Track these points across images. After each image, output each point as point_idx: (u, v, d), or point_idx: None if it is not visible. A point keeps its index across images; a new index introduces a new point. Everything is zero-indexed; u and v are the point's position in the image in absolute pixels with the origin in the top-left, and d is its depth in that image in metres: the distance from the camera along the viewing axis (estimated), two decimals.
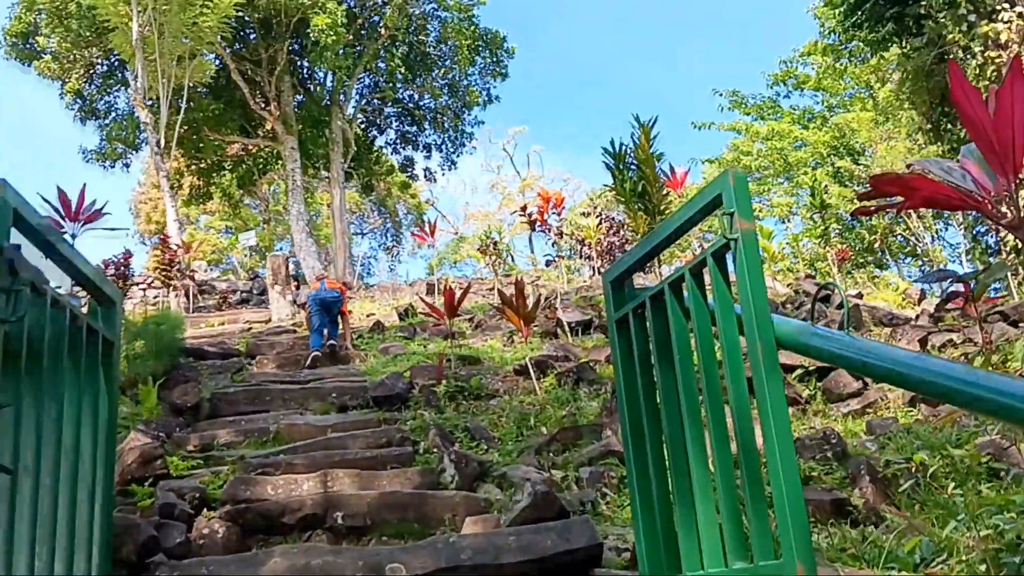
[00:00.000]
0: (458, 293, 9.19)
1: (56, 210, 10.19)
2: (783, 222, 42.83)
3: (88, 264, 2.95)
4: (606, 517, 5.23)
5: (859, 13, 15.17)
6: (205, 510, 5.47)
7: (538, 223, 17.12)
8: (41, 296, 2.50)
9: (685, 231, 2.79)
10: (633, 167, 11.51)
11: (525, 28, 76.80)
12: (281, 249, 40.17)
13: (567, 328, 11.37)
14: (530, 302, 9.28)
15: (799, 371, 8.26)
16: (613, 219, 22.54)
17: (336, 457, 6.49)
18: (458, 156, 33.27)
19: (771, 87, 35.00)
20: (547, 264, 18.01)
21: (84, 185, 10.59)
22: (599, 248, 20.10)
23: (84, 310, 3.03)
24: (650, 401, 2.92)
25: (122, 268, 14.49)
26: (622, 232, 23.44)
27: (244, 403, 8.56)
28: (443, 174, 46.23)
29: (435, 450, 7.01)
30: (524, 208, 16.68)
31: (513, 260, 26.81)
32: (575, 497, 5.68)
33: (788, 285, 15.49)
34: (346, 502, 5.24)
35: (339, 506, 5.21)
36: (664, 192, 11.50)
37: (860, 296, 14.67)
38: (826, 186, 36.08)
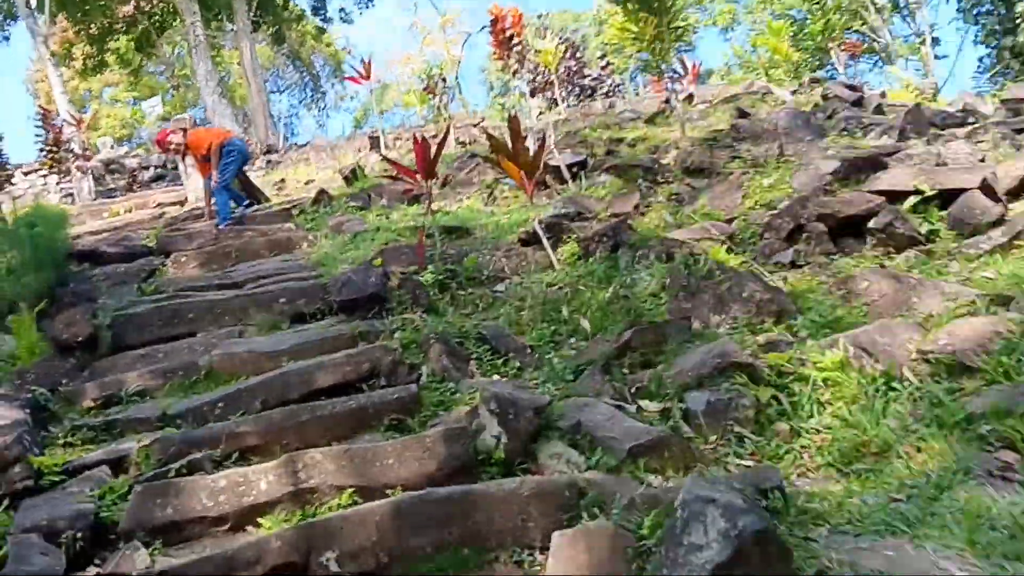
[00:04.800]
0: (432, 146, 6.71)
1: None
2: (723, 32, 40.24)
3: None
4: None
5: None
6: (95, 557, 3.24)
7: (494, 48, 14.34)
8: None
9: None
10: None
11: None
12: (193, 116, 36.36)
13: (566, 174, 9.01)
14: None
15: (912, 199, 6.08)
16: (569, 40, 19.80)
17: (305, 415, 4.24)
18: None
19: None
20: (532, 95, 15.28)
21: None
22: (560, 75, 17.48)
23: None
24: None
25: None
26: (579, 55, 20.69)
27: (160, 325, 6.16)
28: (360, 13, 42.39)
29: (445, 377, 4.78)
30: (500, 34, 13.74)
31: (460, 94, 23.84)
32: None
33: (796, 91, 13.18)
34: (338, 530, 3.00)
35: (328, 538, 2.98)
36: None
37: (884, 95, 12.49)
38: None
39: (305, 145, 23.60)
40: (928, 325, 3.96)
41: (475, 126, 23.98)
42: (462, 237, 7.35)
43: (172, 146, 10.05)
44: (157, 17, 28.57)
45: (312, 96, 48.02)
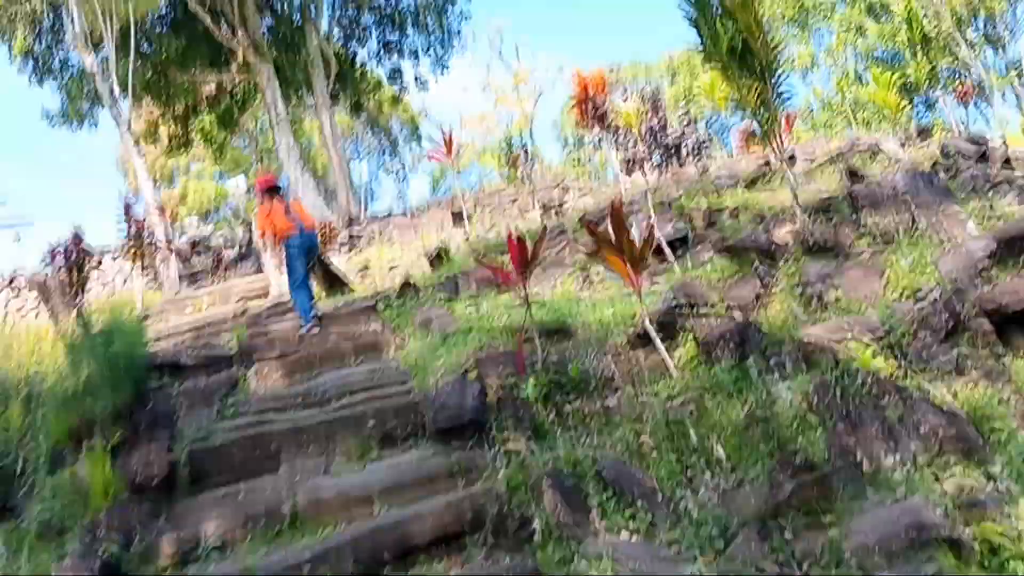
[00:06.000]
0: (528, 243, 6.09)
1: None
2: (803, 75, 39.08)
3: None
4: None
5: None
6: None
7: (581, 116, 13.80)
8: None
9: None
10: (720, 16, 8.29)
11: None
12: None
13: (667, 251, 8.30)
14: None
15: None
16: (651, 97, 19.19)
17: None
18: (448, 57, 29.68)
19: None
20: (628, 171, 14.67)
21: None
22: (643, 135, 16.84)
23: None
24: None
25: (72, 256, 11.33)
26: (660, 112, 20.07)
27: (240, 458, 5.63)
28: (435, 80, 42.81)
29: (562, 534, 4.09)
30: (584, 100, 13.21)
31: (535, 164, 23.40)
32: None
33: (905, 143, 12.24)
34: None
35: None
36: (773, 45, 8.22)
37: (1005, 145, 11.46)
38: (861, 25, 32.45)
39: (387, 217, 23.48)
40: None
41: (556, 187, 23.58)
42: (562, 335, 6.67)
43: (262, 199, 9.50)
44: (239, 94, 29.11)
45: (390, 158, 48.43)
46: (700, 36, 8.27)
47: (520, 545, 4.23)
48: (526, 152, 15.85)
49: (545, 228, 9.00)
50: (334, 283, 10.51)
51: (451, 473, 4.89)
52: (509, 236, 6.26)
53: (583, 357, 6.15)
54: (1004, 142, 11.42)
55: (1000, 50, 31.18)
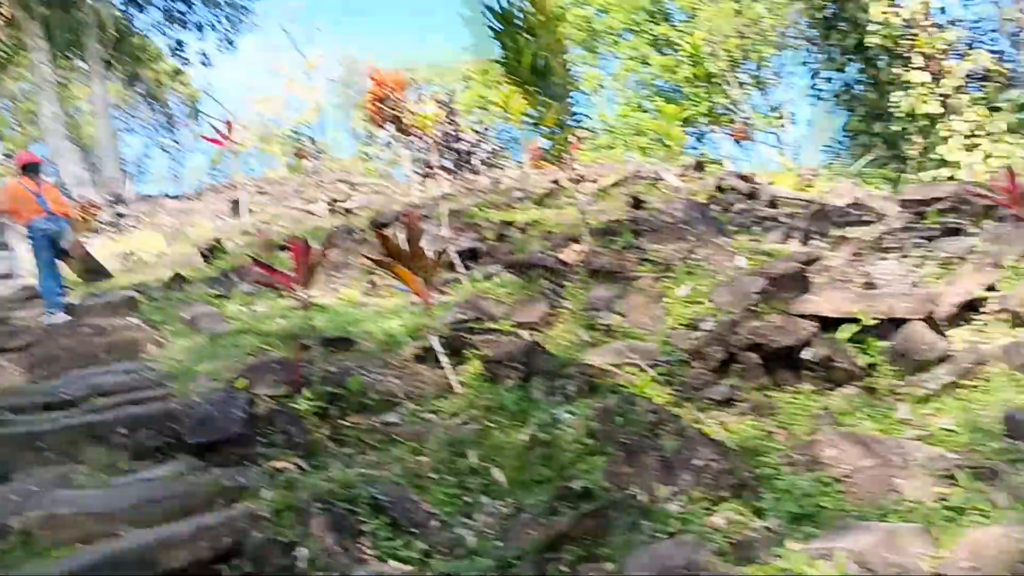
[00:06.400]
0: (314, 246, 5.73)
1: None
2: (588, 97, 40.60)
3: None
4: None
5: None
6: None
7: (375, 115, 13.46)
8: None
9: None
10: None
11: None
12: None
13: (457, 263, 8.18)
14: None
15: (848, 327, 5.56)
16: (447, 103, 19.17)
17: None
18: (236, 34, 28.31)
19: None
20: (424, 176, 14.34)
21: None
22: (437, 140, 16.78)
23: None
24: None
25: None
26: (456, 118, 20.07)
27: None
28: (221, 57, 40.89)
29: (329, 565, 3.80)
30: (379, 99, 12.80)
31: (322, 156, 22.68)
32: None
33: (683, 175, 12.88)
34: None
35: None
36: (567, 67, 8.33)
37: (771, 184, 12.34)
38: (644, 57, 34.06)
39: (158, 197, 21.94)
40: (934, 531, 3.30)
41: (344, 182, 22.94)
42: (344, 347, 6.35)
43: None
44: (3, 52, 26.24)
45: (166, 134, 45.47)
46: (504, 49, 8.22)
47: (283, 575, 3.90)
48: (313, 143, 15.24)
49: (333, 231, 8.61)
50: (92, 270, 9.56)
51: (210, 493, 4.45)
52: (293, 239, 5.87)
53: (365, 370, 5.87)
54: (771, 182, 12.27)
55: (764, 93, 33.84)
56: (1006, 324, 5.66)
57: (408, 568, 3.80)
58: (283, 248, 9.94)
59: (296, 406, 5.31)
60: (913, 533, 3.26)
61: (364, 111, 19.80)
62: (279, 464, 4.72)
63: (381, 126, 13.81)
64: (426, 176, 14.84)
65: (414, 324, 6.61)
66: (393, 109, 13.40)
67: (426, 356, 5.95)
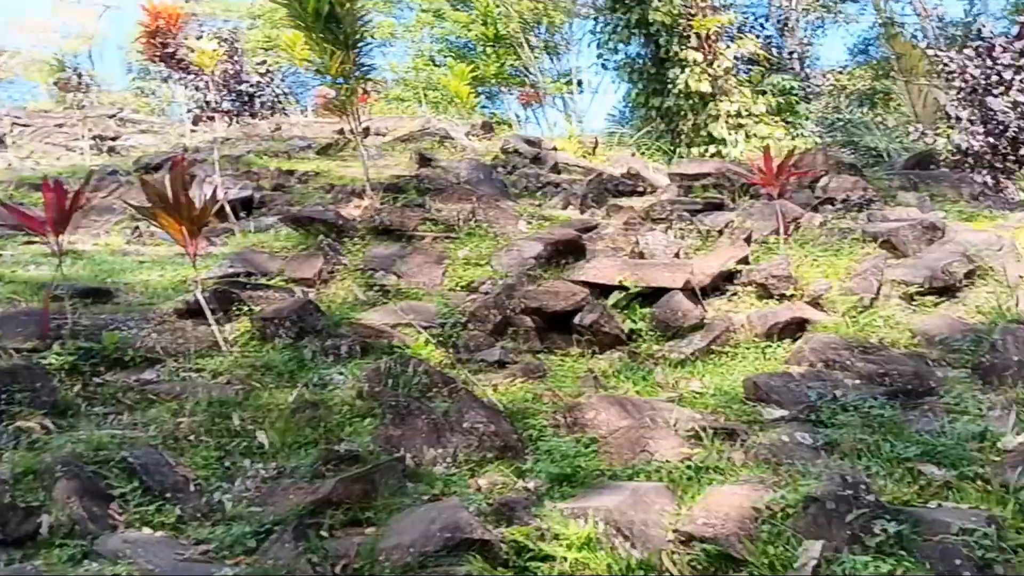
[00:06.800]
0: (70, 188, 5.24)
1: None
2: (381, 46, 39.85)
3: None
4: None
5: None
6: None
7: (149, 50, 12.51)
8: None
9: None
10: None
11: None
12: None
13: (229, 212, 7.81)
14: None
15: (616, 294, 5.84)
16: (229, 40, 18.14)
17: None
18: None
19: None
20: (195, 121, 13.37)
21: None
22: (217, 79, 15.92)
23: None
24: None
25: None
26: (238, 58, 19.07)
27: None
28: None
29: (75, 530, 3.56)
30: (154, 33, 11.81)
31: (92, 89, 20.85)
32: None
33: (470, 133, 12.96)
34: None
35: None
36: (360, 15, 8.09)
37: (556, 149, 12.62)
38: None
39: None
40: (678, 489, 3.54)
41: (113, 117, 21.23)
42: (102, 300, 5.92)
43: None
44: None
45: None
46: None
47: (24, 542, 3.61)
48: (80, 76, 13.99)
49: (91, 172, 7.96)
50: None
51: None
52: (44, 180, 5.36)
53: (123, 324, 5.50)
54: (555, 148, 12.56)
55: (555, 59, 34.51)
56: (755, 295, 6.15)
57: (159, 534, 3.63)
58: (38, 189, 9.10)
59: (45, 361, 4.90)
60: (657, 492, 3.49)
61: (139, 44, 18.44)
62: (23, 424, 4.35)
63: (155, 61, 12.86)
64: (202, 118, 14.00)
65: (180, 276, 6.27)
66: (167, 46, 12.51)
67: (191, 311, 5.65)
